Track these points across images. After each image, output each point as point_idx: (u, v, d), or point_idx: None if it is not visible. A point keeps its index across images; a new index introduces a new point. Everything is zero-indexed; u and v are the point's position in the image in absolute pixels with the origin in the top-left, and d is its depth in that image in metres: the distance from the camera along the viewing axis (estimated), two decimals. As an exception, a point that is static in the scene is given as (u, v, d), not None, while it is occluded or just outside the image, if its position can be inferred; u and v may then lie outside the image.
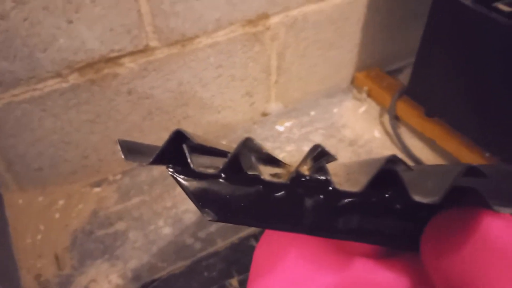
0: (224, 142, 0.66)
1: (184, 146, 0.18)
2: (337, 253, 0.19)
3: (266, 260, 0.20)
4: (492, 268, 0.13)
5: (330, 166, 0.21)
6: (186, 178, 0.20)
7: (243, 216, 0.21)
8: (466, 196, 0.16)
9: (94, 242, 0.51)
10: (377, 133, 0.68)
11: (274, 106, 0.70)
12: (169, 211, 0.55)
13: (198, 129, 0.64)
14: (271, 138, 0.67)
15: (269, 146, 0.65)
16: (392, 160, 0.15)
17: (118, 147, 0.18)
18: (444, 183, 0.14)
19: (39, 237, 0.51)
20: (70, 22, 0.44)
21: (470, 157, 0.60)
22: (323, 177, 0.20)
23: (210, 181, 0.20)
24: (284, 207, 0.20)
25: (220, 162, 0.19)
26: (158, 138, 0.61)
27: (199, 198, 0.21)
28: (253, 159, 0.18)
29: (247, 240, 0.52)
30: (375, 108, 0.73)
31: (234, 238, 0.52)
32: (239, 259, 0.50)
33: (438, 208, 0.16)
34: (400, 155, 0.64)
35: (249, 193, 0.20)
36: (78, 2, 0.43)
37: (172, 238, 0.52)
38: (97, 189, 0.58)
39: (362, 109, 0.73)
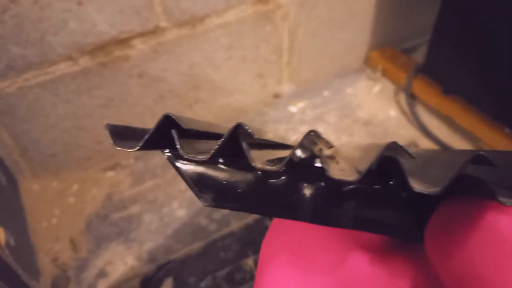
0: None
1: (173, 131, 0.17)
2: (336, 248, 0.19)
3: (266, 256, 0.20)
4: (503, 263, 0.13)
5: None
6: (183, 162, 0.19)
7: (241, 202, 0.20)
8: (472, 185, 0.15)
9: (109, 225, 0.52)
10: (393, 112, 0.67)
11: (286, 88, 0.69)
12: (184, 193, 0.55)
13: (210, 113, 0.63)
14: (284, 120, 0.66)
15: (282, 128, 0.64)
16: (393, 147, 0.14)
17: (107, 132, 0.17)
18: (447, 173, 0.13)
19: (54, 221, 0.52)
20: (80, 4, 0.44)
21: (489, 133, 0.58)
22: (318, 165, 0.19)
23: (208, 166, 0.19)
24: (283, 194, 0.19)
25: (212, 144, 0.19)
26: (170, 122, 0.60)
27: (196, 182, 0.20)
28: (245, 144, 0.17)
29: (262, 221, 0.51)
30: (389, 87, 0.71)
31: (249, 219, 0.52)
32: (255, 240, 0.49)
33: (444, 197, 0.15)
34: (417, 133, 0.63)
35: (247, 179, 0.19)
36: (87, -18, 0.43)
37: (187, 220, 0.52)
38: (110, 174, 0.58)
39: (377, 88, 0.71)
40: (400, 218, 0.18)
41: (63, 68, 0.48)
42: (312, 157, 0.22)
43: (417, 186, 0.13)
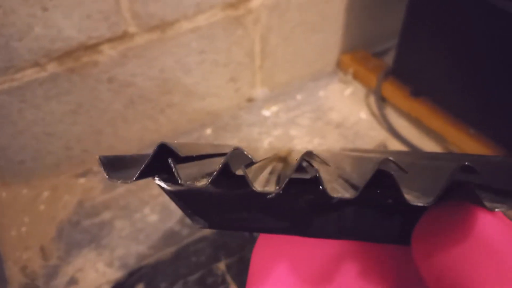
0: (209, 130, 0.66)
1: (170, 161, 0.17)
2: (325, 264, 0.19)
3: (258, 271, 0.20)
4: (484, 268, 0.13)
5: (331, 158, 0.21)
6: (173, 185, 0.19)
7: (234, 220, 0.20)
8: (459, 189, 0.15)
9: (80, 232, 0.51)
10: (364, 114, 0.68)
11: (259, 91, 0.70)
12: (156, 198, 0.55)
13: (183, 117, 0.63)
14: (258, 123, 0.66)
15: (255, 132, 0.65)
16: (385, 161, 0.15)
17: (100, 164, 0.17)
18: (437, 183, 0.14)
19: (24, 229, 0.51)
20: (46, 9, 0.44)
21: (455, 134, 0.60)
22: (307, 176, 0.19)
23: (199, 187, 0.19)
24: (275, 209, 0.20)
25: (207, 166, 0.19)
26: (143, 126, 0.60)
27: (188, 205, 0.20)
28: (243, 168, 0.17)
29: (235, 224, 0.52)
30: (361, 90, 0.73)
31: (222, 223, 0.52)
32: (227, 243, 0.50)
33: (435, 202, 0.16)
34: (386, 135, 0.64)
35: (239, 197, 0.20)
36: (52, -12, 0.43)
37: (159, 225, 0.52)
38: (82, 180, 0.57)
39: (348, 91, 0.73)
40: (387, 224, 0.18)
41: (30, 74, 0.47)
42: (302, 170, 0.22)
43: (411, 199, 0.14)
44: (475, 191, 0.14)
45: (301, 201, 0.19)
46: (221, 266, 0.47)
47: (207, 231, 0.51)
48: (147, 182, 0.57)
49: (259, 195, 0.19)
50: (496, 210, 0.14)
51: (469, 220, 0.14)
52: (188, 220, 0.53)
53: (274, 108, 0.69)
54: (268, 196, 0.19)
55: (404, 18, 0.61)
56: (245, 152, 0.17)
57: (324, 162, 0.18)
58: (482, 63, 0.52)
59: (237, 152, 0.17)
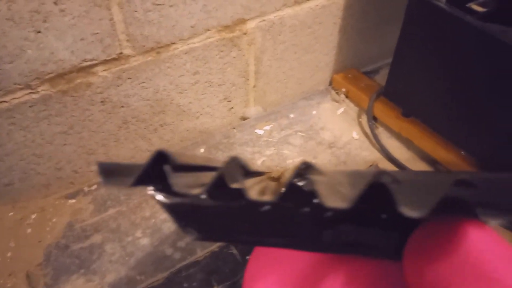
0: (202, 149, 0.65)
1: (166, 168, 0.17)
2: (314, 279, 0.19)
3: (249, 283, 0.20)
4: (472, 284, 0.13)
5: (327, 172, 0.21)
6: (167, 196, 0.19)
7: (227, 233, 0.20)
8: (453, 205, 0.15)
9: (69, 257, 0.50)
10: (356, 134, 0.69)
11: (253, 110, 0.70)
12: (148, 221, 0.54)
13: (176, 136, 0.63)
14: (251, 142, 0.66)
15: (248, 151, 0.65)
16: (380, 173, 0.15)
17: (97, 171, 0.17)
18: (433, 197, 0.13)
19: (9, 254, 0.49)
20: (38, 32, 0.43)
21: (446, 156, 0.61)
22: (307, 189, 0.19)
23: (193, 199, 0.19)
24: (269, 222, 0.19)
25: (203, 177, 0.19)
26: (135, 146, 0.59)
27: (181, 217, 0.20)
28: (239, 175, 0.17)
29: (227, 247, 0.51)
30: (353, 109, 0.73)
31: (214, 247, 0.51)
32: (219, 268, 0.49)
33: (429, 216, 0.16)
34: (378, 155, 0.65)
35: (233, 209, 0.19)
36: (46, 11, 0.42)
37: (150, 249, 0.51)
38: (72, 201, 0.56)
39: (341, 110, 0.73)
40: (380, 238, 0.18)
41: (20, 96, 0.46)
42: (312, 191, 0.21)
43: (406, 211, 0.13)
44: (470, 205, 0.14)
45: (295, 215, 0.19)
46: (215, 292, 0.47)
47: (199, 255, 0.50)
48: (139, 203, 0.56)
49: (253, 208, 0.19)
50: (492, 224, 0.14)
51: (459, 237, 0.14)
52: (180, 244, 0.52)
53: (267, 127, 0.69)
54: (262, 209, 0.19)
55: (398, 41, 0.62)
56: (242, 161, 0.17)
57: (320, 173, 0.18)
58: (472, 87, 0.54)
59: (233, 163, 0.17)
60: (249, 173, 0.20)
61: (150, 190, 0.19)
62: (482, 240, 0.14)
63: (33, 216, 0.54)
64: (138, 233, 0.53)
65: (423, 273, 0.15)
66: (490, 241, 0.14)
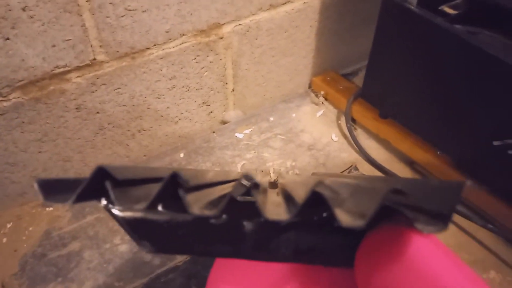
0: (182, 154, 0.65)
1: (107, 183, 0.17)
2: (272, 282, 0.19)
3: None
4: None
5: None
6: (121, 209, 0.19)
7: (182, 244, 0.20)
8: (395, 213, 0.16)
9: (46, 265, 0.49)
10: (335, 136, 0.69)
11: (233, 114, 0.70)
12: (127, 234, 0.54)
13: (154, 141, 0.63)
14: (231, 146, 0.66)
15: (229, 154, 0.65)
16: (321, 183, 0.15)
17: (36, 187, 0.17)
18: (370, 205, 0.14)
19: (-16, 265, 0.49)
20: (7, 39, 0.42)
21: (423, 156, 0.62)
22: (251, 201, 0.20)
23: (147, 211, 0.19)
24: (223, 232, 0.20)
25: (148, 190, 0.19)
26: (113, 152, 0.59)
27: (135, 229, 0.20)
28: (182, 192, 0.17)
29: (207, 252, 0.51)
30: (332, 112, 0.74)
31: (194, 252, 0.51)
32: (199, 272, 0.49)
33: (373, 225, 0.17)
34: (357, 156, 0.66)
35: (186, 221, 0.20)
36: (14, 18, 0.42)
37: (129, 255, 0.51)
38: (49, 209, 0.56)
39: (320, 113, 0.74)
40: (334, 246, 0.19)
41: (-9, 104, 0.46)
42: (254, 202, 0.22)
43: (344, 220, 0.14)
44: (406, 215, 0.15)
45: (249, 225, 0.19)
46: (193, 297, 0.46)
47: (179, 260, 0.50)
48: (117, 210, 0.56)
49: (203, 219, 0.19)
50: (427, 232, 0.15)
51: (403, 245, 0.15)
52: (159, 249, 0.52)
53: (247, 131, 0.69)
54: (211, 221, 0.20)
55: (372, 44, 0.63)
56: (182, 176, 0.17)
57: (266, 188, 0.18)
58: (446, 88, 0.55)
59: (178, 178, 0.17)
60: (200, 186, 0.20)
61: (103, 204, 0.19)
62: (425, 248, 0.15)
63: (9, 225, 0.53)
64: (117, 240, 0.52)
65: (371, 281, 0.15)
66: (432, 248, 0.15)
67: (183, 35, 0.55)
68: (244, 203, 0.20)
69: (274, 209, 0.16)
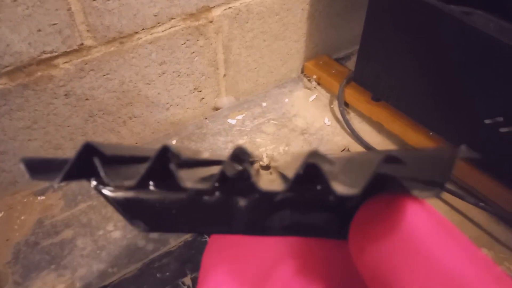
0: (174, 141, 0.65)
1: (95, 159, 0.16)
2: (267, 258, 0.19)
3: (203, 273, 0.20)
4: (410, 262, 0.14)
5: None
6: (111, 189, 0.19)
7: (175, 223, 0.20)
8: (390, 182, 0.16)
9: (39, 253, 0.49)
10: (328, 120, 0.69)
11: (225, 100, 0.70)
12: (119, 214, 0.53)
13: (146, 128, 0.62)
14: (224, 132, 0.66)
15: (221, 140, 0.65)
16: (314, 154, 0.15)
17: (22, 166, 0.16)
18: (365, 174, 0.14)
19: (-23, 253, 0.48)
20: (-9, 23, 0.42)
21: (415, 137, 0.62)
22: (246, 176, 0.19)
23: (138, 190, 0.19)
24: (217, 210, 0.19)
25: (137, 168, 0.19)
26: (104, 139, 0.59)
27: (126, 209, 0.20)
28: (173, 165, 0.17)
29: (201, 236, 0.51)
30: (325, 96, 0.74)
31: (188, 236, 0.51)
32: (193, 257, 0.49)
33: (367, 196, 0.16)
34: (350, 140, 0.66)
35: (179, 199, 0.19)
36: (-2, 1, 0.41)
37: (123, 242, 0.51)
38: (41, 198, 0.55)
39: (313, 97, 0.73)
40: (329, 219, 0.19)
41: (-23, 91, 0.45)
42: (245, 170, 0.22)
43: (339, 189, 0.14)
44: (401, 182, 0.14)
45: (243, 201, 0.19)
46: (187, 281, 0.47)
47: (172, 245, 0.50)
48: (109, 197, 0.55)
49: (196, 198, 0.19)
50: (423, 197, 0.14)
51: (398, 214, 0.15)
52: (153, 235, 0.52)
53: (240, 116, 0.69)
54: (204, 198, 0.19)
55: (364, 27, 0.62)
56: (172, 149, 0.17)
57: (257, 159, 0.18)
58: (438, 68, 0.54)
59: (169, 153, 0.17)
60: (196, 162, 0.19)
61: (93, 184, 0.19)
62: (420, 216, 0.14)
63: (0, 215, 0.53)
64: (110, 227, 0.52)
65: (366, 252, 0.15)
66: (428, 216, 0.15)
67: (172, 18, 0.54)
68: (237, 179, 0.19)
69: (269, 183, 0.16)
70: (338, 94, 0.69)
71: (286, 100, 0.73)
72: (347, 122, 0.67)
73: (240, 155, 0.20)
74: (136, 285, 0.46)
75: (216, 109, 0.70)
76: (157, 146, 0.17)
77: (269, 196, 0.19)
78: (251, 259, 0.19)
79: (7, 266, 0.47)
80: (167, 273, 0.47)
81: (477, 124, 0.52)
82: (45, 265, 0.48)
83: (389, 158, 0.14)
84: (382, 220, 0.15)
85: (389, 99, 0.65)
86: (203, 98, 0.66)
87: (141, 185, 0.18)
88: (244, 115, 0.69)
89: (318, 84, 0.75)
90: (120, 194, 0.19)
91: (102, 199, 0.54)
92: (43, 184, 0.57)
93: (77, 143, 0.56)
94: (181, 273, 0.47)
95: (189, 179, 0.17)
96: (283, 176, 0.18)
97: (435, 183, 0.15)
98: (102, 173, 0.16)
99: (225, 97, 0.70)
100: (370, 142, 0.64)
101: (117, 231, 0.52)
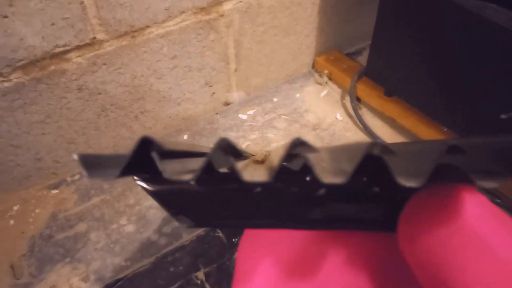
0: (186, 136, 0.65)
1: (154, 155, 0.16)
2: (309, 257, 0.19)
3: (243, 268, 0.20)
4: (465, 253, 0.13)
5: (307, 143, 0.20)
6: (155, 185, 0.19)
7: (219, 217, 0.20)
8: (447, 172, 0.15)
9: (53, 246, 0.49)
10: (339, 115, 0.69)
11: (236, 95, 0.70)
12: (132, 208, 0.54)
13: (158, 123, 0.62)
14: (235, 127, 0.66)
15: (232, 136, 0.65)
16: (372, 145, 0.15)
17: (78, 163, 0.16)
18: (426, 164, 0.13)
19: (-8, 246, 0.49)
20: (5, 17, 0.42)
21: (428, 132, 0.61)
22: (299, 167, 0.19)
23: (182, 185, 0.19)
24: (261, 203, 0.19)
25: (189, 163, 0.18)
26: (117, 134, 0.59)
27: (171, 205, 0.19)
28: (229, 158, 0.17)
29: (213, 231, 0.51)
30: (336, 91, 0.73)
31: (200, 231, 0.51)
32: (206, 251, 0.49)
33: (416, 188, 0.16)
34: (362, 135, 0.65)
35: (223, 193, 0.19)
36: (12, -5, 0.41)
37: (136, 235, 0.51)
38: (55, 192, 0.56)
39: (324, 92, 0.73)
40: (374, 211, 0.18)
41: (-8, 85, 0.45)
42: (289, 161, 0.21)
43: (403, 181, 0.13)
44: (466, 172, 0.14)
45: (286, 195, 0.19)
46: (200, 275, 0.46)
47: (185, 239, 0.50)
48: (122, 191, 0.56)
49: (244, 191, 0.19)
50: (487, 186, 0.14)
51: (454, 204, 0.14)
52: (166, 229, 0.52)
53: (251, 112, 0.69)
54: (255, 190, 0.19)
55: (376, 21, 0.61)
56: (232, 142, 0.16)
57: (313, 150, 0.18)
58: (451, 62, 0.54)
59: (223, 145, 0.16)
60: (238, 155, 0.19)
61: (137, 180, 0.19)
62: (478, 206, 0.14)
63: (15, 208, 0.53)
64: (123, 221, 0.53)
65: (417, 240, 0.15)
66: (485, 207, 0.14)
67: (183, 12, 0.54)
68: (288, 170, 0.19)
69: (326, 174, 0.15)
70: (350, 89, 0.69)
71: (297, 95, 0.72)
72: (359, 118, 0.66)
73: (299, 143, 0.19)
74: (150, 279, 0.46)
75: (227, 104, 0.70)
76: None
77: (312, 188, 0.18)
78: (295, 252, 0.19)
79: (23, 259, 0.48)
80: (180, 267, 0.47)
81: (492, 119, 0.51)
82: (60, 258, 0.48)
83: (452, 148, 0.14)
84: (437, 209, 0.15)
85: (401, 94, 0.65)
86: (214, 93, 0.66)
87: (199, 179, 0.18)
88: (255, 110, 0.69)
89: (330, 79, 0.75)
90: (164, 191, 0.19)
91: (115, 192, 0.55)
92: (56, 178, 0.57)
93: (90, 138, 0.56)
94: (194, 268, 0.47)
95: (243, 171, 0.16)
96: (331, 168, 0.17)
97: (493, 173, 0.14)
98: (161, 169, 0.15)
99: (236, 92, 0.70)
100: (383, 137, 0.64)
101: (130, 225, 0.52)
